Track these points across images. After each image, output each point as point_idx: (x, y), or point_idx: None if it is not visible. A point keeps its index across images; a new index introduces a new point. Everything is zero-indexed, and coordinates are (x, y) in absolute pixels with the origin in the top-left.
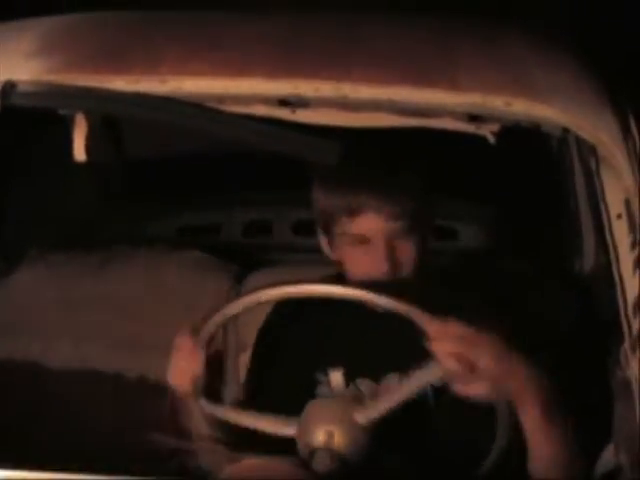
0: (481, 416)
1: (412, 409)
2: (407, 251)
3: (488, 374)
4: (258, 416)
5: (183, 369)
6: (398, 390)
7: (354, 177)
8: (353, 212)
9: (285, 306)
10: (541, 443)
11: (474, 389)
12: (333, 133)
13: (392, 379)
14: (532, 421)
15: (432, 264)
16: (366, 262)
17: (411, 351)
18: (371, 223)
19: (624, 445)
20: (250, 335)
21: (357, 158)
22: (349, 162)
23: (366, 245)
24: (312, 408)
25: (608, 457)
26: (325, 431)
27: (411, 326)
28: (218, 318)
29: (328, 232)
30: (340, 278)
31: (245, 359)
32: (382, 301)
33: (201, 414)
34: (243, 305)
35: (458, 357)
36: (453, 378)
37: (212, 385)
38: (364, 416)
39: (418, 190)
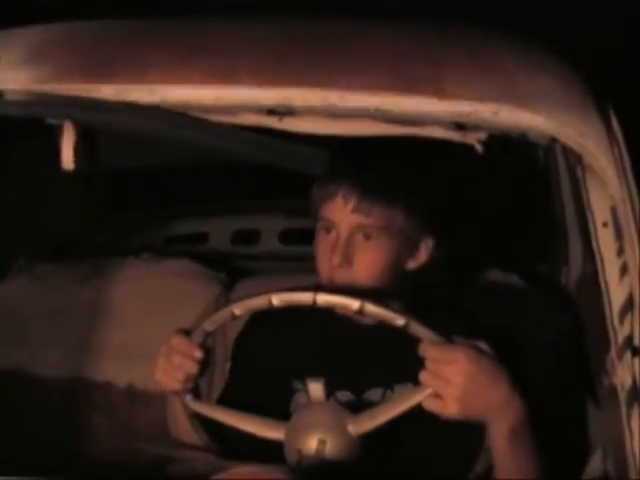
0: (466, 430)
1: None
2: (367, 254)
3: (459, 392)
4: (245, 417)
5: (175, 366)
6: (395, 403)
7: (345, 170)
8: (327, 197)
9: (263, 315)
10: (506, 467)
11: (444, 408)
12: (324, 142)
13: (375, 394)
14: (499, 442)
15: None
16: (325, 251)
17: (395, 365)
18: (337, 209)
19: (611, 452)
20: None
21: (369, 159)
22: (357, 162)
23: (330, 233)
24: (303, 413)
25: (595, 464)
26: (317, 439)
27: (396, 339)
28: (218, 318)
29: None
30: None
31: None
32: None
33: (187, 416)
34: (249, 307)
35: (432, 374)
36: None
37: (198, 388)
38: (357, 427)
39: (406, 204)
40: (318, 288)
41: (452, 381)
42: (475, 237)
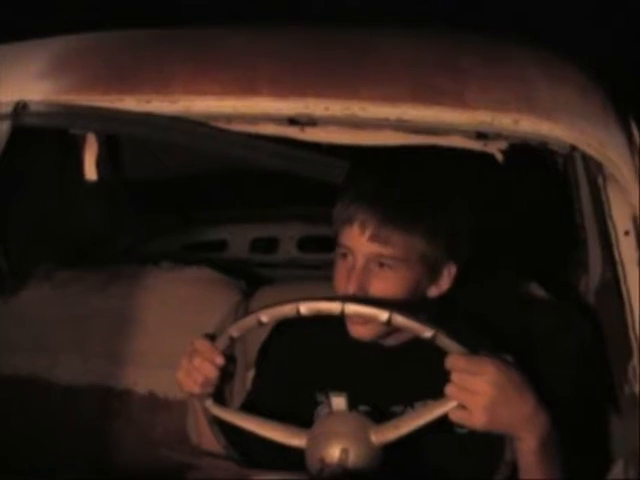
0: (486, 442)
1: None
2: (382, 283)
3: (486, 402)
4: (266, 423)
5: (196, 368)
6: (418, 414)
7: (364, 192)
8: (345, 222)
9: (289, 324)
10: (530, 477)
11: (471, 418)
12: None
13: (396, 410)
14: (526, 456)
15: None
16: (341, 277)
17: (416, 383)
18: (354, 237)
19: (632, 460)
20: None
21: (389, 179)
22: (376, 184)
23: (346, 260)
24: (326, 422)
25: (617, 473)
26: (340, 448)
27: (418, 357)
28: (243, 324)
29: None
30: None
31: (252, 376)
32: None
33: (207, 421)
34: (276, 314)
35: (459, 387)
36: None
37: (221, 395)
38: (380, 436)
39: (427, 230)
40: (347, 298)
41: (479, 392)
42: (495, 247)
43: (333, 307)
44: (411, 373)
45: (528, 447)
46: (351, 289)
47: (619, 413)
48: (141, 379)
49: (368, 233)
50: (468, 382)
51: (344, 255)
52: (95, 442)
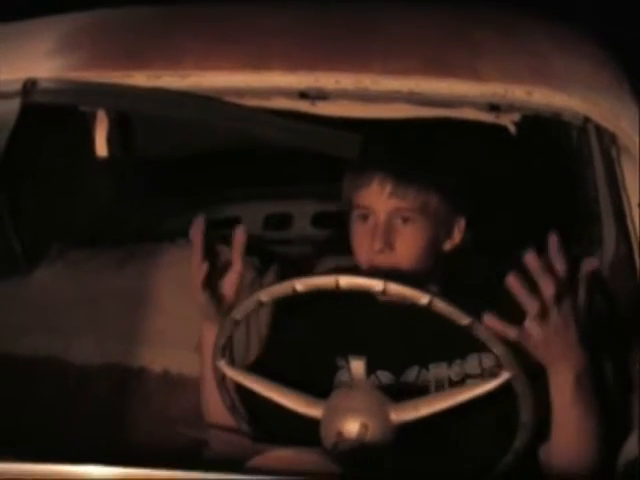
0: (497, 418)
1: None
2: (407, 237)
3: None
4: (282, 390)
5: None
6: (440, 397)
7: (378, 156)
8: (362, 185)
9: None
10: (566, 421)
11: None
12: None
13: (412, 372)
14: (563, 391)
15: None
16: (364, 239)
17: (430, 344)
18: (373, 196)
19: None
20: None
21: (400, 144)
22: (388, 148)
23: (367, 221)
24: (343, 394)
25: (630, 447)
26: (360, 422)
27: (431, 320)
28: (244, 307)
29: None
30: (356, 269)
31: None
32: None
33: (216, 384)
34: (274, 293)
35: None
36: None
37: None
38: (401, 415)
39: (439, 185)
40: (339, 271)
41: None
42: (506, 219)
43: (328, 282)
44: (424, 332)
45: (565, 380)
46: (377, 246)
47: (633, 388)
48: (156, 358)
49: (387, 190)
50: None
51: (364, 217)
52: (111, 422)
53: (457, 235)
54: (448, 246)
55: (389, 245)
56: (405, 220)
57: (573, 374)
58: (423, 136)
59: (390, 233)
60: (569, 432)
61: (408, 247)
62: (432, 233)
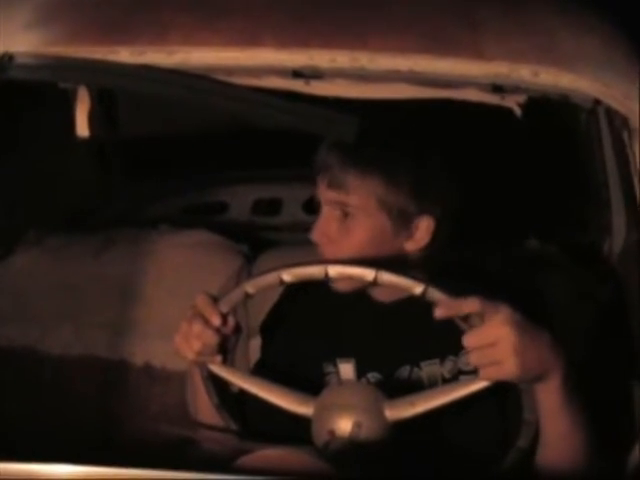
0: (494, 415)
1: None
2: (347, 232)
3: (511, 346)
4: (271, 387)
5: (197, 335)
6: (438, 393)
7: (333, 147)
8: (317, 173)
9: (294, 292)
10: (556, 429)
11: (503, 370)
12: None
13: (403, 372)
14: (550, 396)
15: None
16: (314, 227)
17: (420, 342)
18: (320, 186)
19: None
20: (260, 321)
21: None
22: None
23: (320, 211)
24: (335, 391)
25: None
26: (353, 421)
27: (421, 317)
28: (231, 298)
29: None
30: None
31: (255, 345)
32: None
33: (203, 383)
34: (261, 284)
35: (477, 347)
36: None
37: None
38: (395, 413)
39: (385, 176)
40: (329, 261)
41: (500, 338)
42: (509, 207)
43: (316, 271)
44: (414, 330)
45: (554, 386)
46: (314, 236)
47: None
48: (137, 349)
49: (326, 180)
50: (484, 335)
51: (318, 206)
52: (91, 415)
53: (421, 236)
54: (411, 246)
55: (326, 236)
56: (345, 214)
57: (559, 378)
58: (397, 125)
59: (329, 225)
60: (557, 438)
61: (349, 241)
62: (378, 230)
